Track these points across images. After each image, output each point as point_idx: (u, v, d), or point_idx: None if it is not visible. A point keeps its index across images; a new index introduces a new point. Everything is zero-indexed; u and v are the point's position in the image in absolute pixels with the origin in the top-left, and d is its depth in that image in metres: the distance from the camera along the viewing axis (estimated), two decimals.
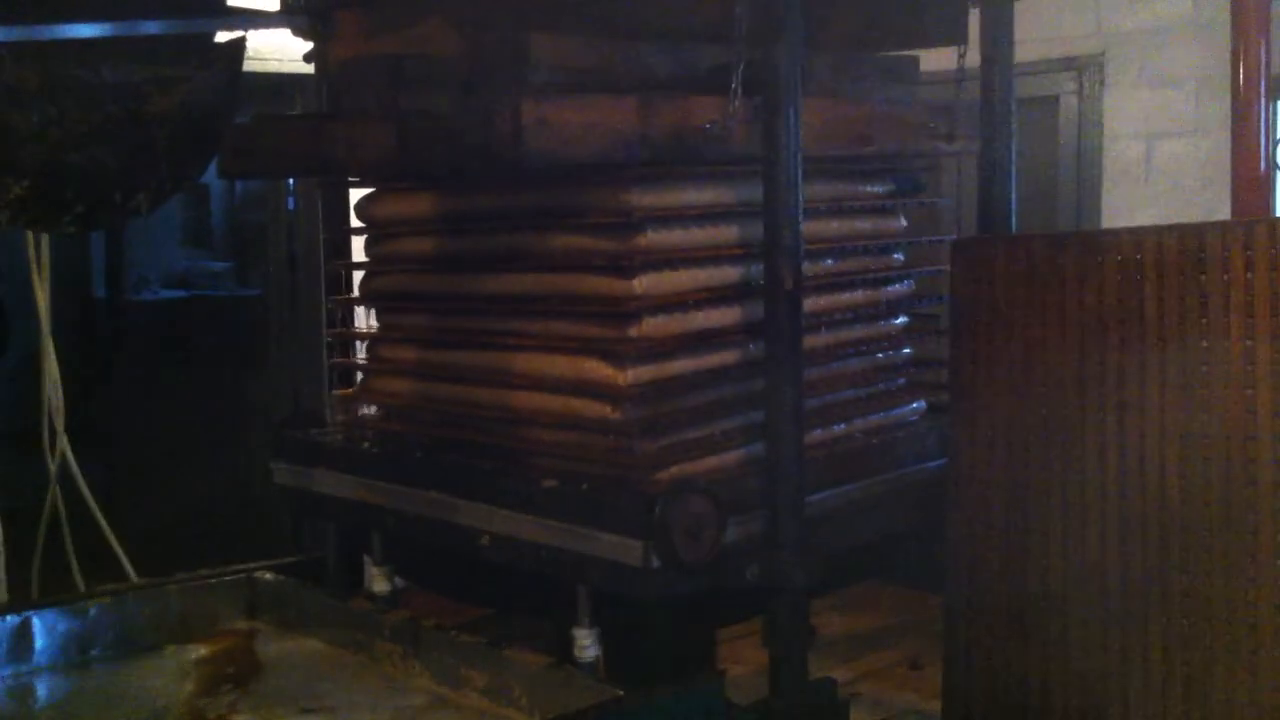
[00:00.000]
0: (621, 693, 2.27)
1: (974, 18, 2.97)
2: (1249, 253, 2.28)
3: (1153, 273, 2.38)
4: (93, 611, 2.75)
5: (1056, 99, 4.82)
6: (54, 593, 3.52)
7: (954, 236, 2.98)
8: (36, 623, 2.68)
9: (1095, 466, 2.44)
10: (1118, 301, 2.42)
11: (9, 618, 2.66)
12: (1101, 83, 4.71)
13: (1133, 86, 4.65)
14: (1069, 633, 2.47)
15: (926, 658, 2.94)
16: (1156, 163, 4.62)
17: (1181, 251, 2.35)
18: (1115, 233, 2.53)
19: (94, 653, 2.72)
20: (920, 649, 3.01)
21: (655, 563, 2.30)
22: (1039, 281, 2.51)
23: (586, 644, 2.47)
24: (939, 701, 2.64)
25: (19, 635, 2.66)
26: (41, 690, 2.61)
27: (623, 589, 2.38)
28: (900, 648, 3.09)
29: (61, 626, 2.71)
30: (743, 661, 2.68)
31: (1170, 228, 2.41)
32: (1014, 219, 2.96)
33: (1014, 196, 2.95)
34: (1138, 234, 2.45)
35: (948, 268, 2.71)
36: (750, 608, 2.48)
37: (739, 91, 2.45)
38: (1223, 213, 3.99)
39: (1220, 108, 4.13)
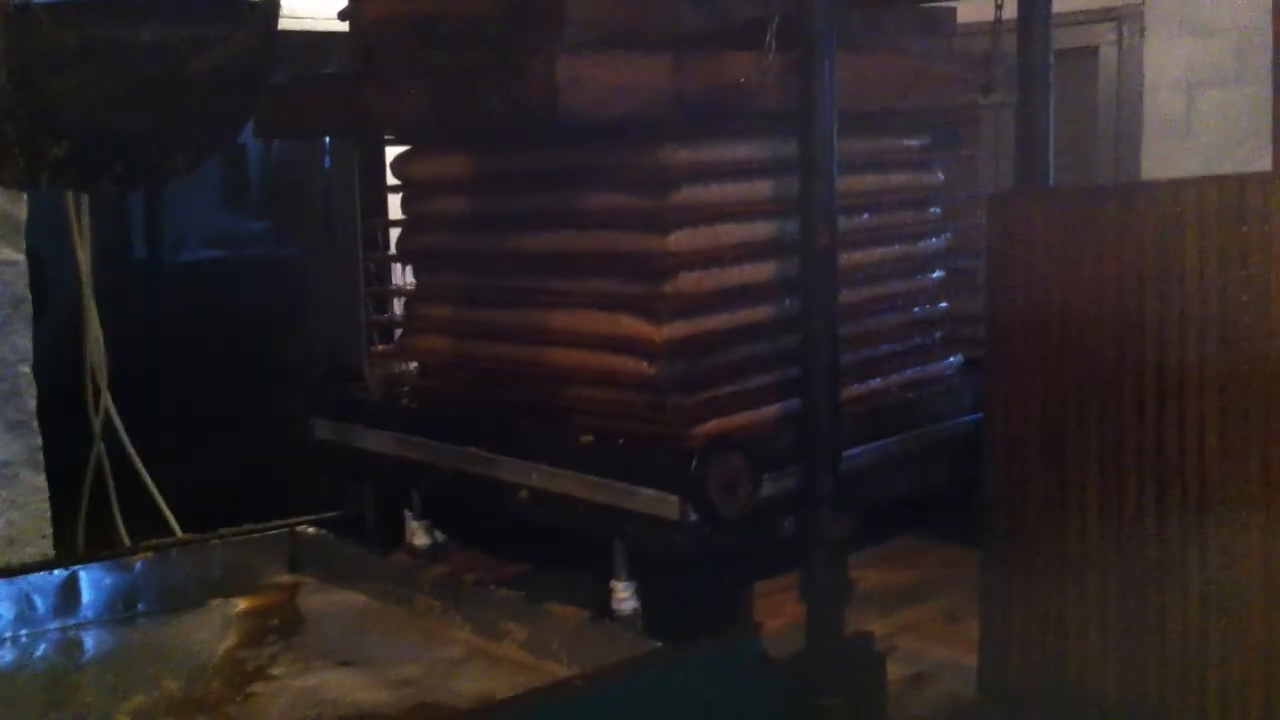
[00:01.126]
0: (660, 645, 2.30)
1: None
2: None
3: (1192, 225, 2.36)
4: (138, 566, 2.79)
5: (1096, 50, 4.77)
6: (99, 548, 3.57)
7: (991, 190, 2.96)
8: (83, 577, 2.73)
9: (1133, 420, 2.43)
10: (1157, 254, 2.40)
11: (56, 572, 2.72)
12: (1141, 33, 4.65)
13: (1173, 36, 4.59)
14: (1106, 587, 2.47)
15: (963, 612, 2.94)
16: (1197, 114, 4.57)
17: (1221, 203, 2.33)
18: (1154, 185, 2.51)
19: (140, 607, 2.77)
20: (957, 603, 3.01)
21: (691, 517, 2.32)
22: (1077, 235, 2.49)
23: (625, 597, 2.50)
24: (975, 655, 2.65)
25: (66, 590, 2.71)
26: (88, 643, 2.66)
27: (659, 543, 2.39)
28: (937, 602, 3.09)
29: (107, 581, 2.76)
30: (780, 615, 2.69)
31: (1209, 179, 2.38)
32: (1052, 172, 2.93)
33: (1052, 149, 2.92)
34: (1177, 186, 2.42)
35: (984, 222, 2.70)
36: (787, 562, 2.50)
37: (773, 46, 2.43)
38: (1264, 164, 3.95)
39: (1262, 58, 4.08)
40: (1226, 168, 4.15)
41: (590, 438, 2.54)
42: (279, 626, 2.69)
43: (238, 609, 2.79)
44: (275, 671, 2.46)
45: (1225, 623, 2.34)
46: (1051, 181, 2.94)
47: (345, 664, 2.49)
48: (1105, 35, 4.73)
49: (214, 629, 2.69)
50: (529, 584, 2.67)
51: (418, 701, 2.32)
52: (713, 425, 2.50)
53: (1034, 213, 2.56)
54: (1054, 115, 2.92)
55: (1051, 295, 2.52)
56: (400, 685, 2.39)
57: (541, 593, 2.56)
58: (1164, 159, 4.62)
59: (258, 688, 2.39)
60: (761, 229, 2.60)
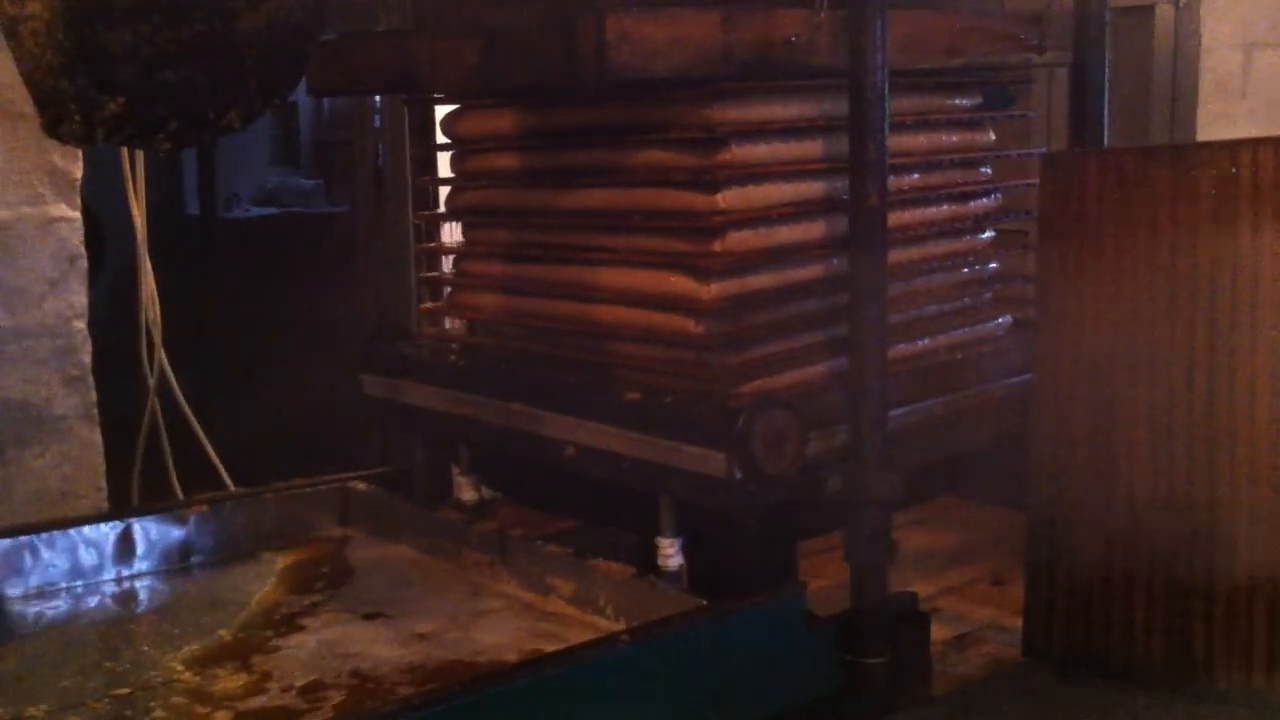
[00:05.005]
0: (705, 601, 2.31)
1: None
2: None
3: (1248, 187, 2.33)
4: (192, 519, 2.84)
5: (1151, 8, 4.69)
6: (153, 501, 3.62)
7: (1043, 150, 2.93)
8: (138, 529, 2.78)
9: (1183, 383, 2.41)
10: (1211, 217, 2.37)
11: (112, 524, 2.76)
12: None
13: None
14: (1154, 550, 2.46)
15: (1008, 574, 2.94)
16: (1255, 74, 4.49)
17: (1277, 165, 2.30)
18: (1210, 146, 2.48)
19: (194, 559, 2.82)
20: (1002, 565, 3.01)
21: (737, 474, 2.33)
22: (1130, 196, 2.47)
23: (670, 554, 2.51)
24: (1020, 617, 2.65)
25: (121, 542, 2.76)
26: (143, 594, 2.71)
27: (705, 500, 2.40)
28: (981, 563, 3.09)
29: (162, 534, 2.80)
30: (824, 575, 2.70)
31: (1266, 141, 2.35)
32: (1106, 132, 2.90)
33: (1106, 109, 2.89)
34: (1233, 147, 2.39)
35: (1036, 182, 2.68)
36: (832, 522, 2.50)
37: (824, 2, 2.42)
38: None
39: None
40: None
41: (637, 395, 2.55)
42: (326, 578, 2.73)
43: (289, 561, 2.83)
44: (305, 622, 2.50)
45: (1273, 588, 2.33)
46: (1105, 142, 2.91)
47: (374, 616, 2.52)
48: None
49: (265, 580, 2.73)
50: (575, 540, 2.69)
51: (425, 656, 2.34)
52: (759, 383, 2.51)
53: (1087, 173, 2.53)
54: (1109, 74, 2.88)
55: (1103, 256, 2.50)
56: (418, 639, 2.42)
57: (588, 549, 2.58)
58: (1220, 120, 4.54)
59: (283, 640, 2.43)
60: (811, 187, 2.59)
